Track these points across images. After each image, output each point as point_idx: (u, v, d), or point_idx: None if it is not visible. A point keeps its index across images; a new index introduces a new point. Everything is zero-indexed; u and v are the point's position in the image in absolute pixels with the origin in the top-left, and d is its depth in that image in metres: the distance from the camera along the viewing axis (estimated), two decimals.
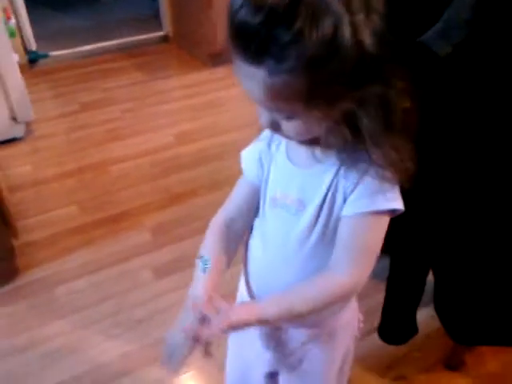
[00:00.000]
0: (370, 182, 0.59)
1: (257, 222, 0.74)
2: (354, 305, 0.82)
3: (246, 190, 0.73)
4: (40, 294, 1.56)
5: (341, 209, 0.62)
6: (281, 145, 0.68)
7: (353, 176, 0.60)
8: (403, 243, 1.17)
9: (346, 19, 0.47)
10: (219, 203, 0.76)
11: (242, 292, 0.79)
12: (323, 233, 0.65)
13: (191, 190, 2.00)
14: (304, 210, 0.65)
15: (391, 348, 1.31)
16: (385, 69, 0.53)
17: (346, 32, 0.47)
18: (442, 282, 1.20)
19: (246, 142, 0.74)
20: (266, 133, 0.70)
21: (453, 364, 1.31)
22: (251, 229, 0.76)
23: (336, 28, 0.47)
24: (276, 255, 0.71)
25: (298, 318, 0.69)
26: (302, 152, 0.64)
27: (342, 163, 0.61)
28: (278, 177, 0.68)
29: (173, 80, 3.01)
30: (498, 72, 0.88)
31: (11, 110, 2.26)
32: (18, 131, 2.35)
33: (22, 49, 3.04)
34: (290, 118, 0.56)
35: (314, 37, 0.47)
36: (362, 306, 0.85)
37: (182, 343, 0.67)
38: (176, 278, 1.58)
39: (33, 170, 2.16)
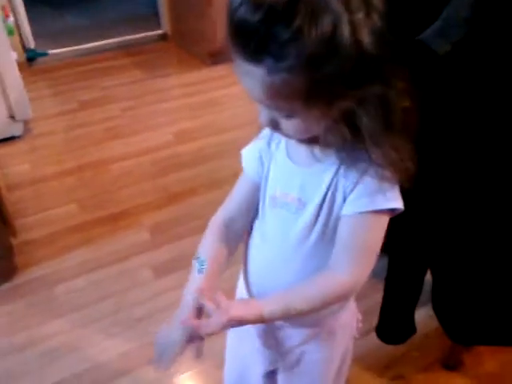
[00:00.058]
0: (369, 181, 0.59)
1: (256, 222, 0.74)
2: (352, 305, 0.82)
3: (246, 188, 0.73)
4: (39, 292, 1.56)
5: (340, 208, 0.62)
6: (281, 143, 0.68)
7: (352, 175, 0.60)
8: (401, 243, 1.17)
9: (345, 18, 0.47)
10: (218, 202, 0.76)
11: (241, 291, 0.79)
12: (323, 232, 0.65)
13: (190, 189, 2.00)
14: (304, 209, 0.65)
15: (389, 347, 1.31)
16: (384, 68, 0.53)
17: (345, 31, 0.47)
18: (440, 282, 1.20)
19: (245, 141, 0.74)
20: (266, 131, 0.70)
21: (451, 364, 1.31)
22: (251, 228, 0.75)
23: (335, 26, 0.47)
24: (276, 254, 0.71)
25: (297, 317, 0.69)
26: (302, 151, 0.64)
27: (342, 162, 0.61)
28: (278, 175, 0.68)
29: (172, 78, 3.01)
30: (498, 70, 0.88)
31: (9, 108, 2.25)
32: (17, 129, 2.34)
33: (20, 47, 3.03)
34: (289, 116, 0.56)
35: (313, 35, 0.46)
36: (360, 305, 0.85)
37: (174, 341, 0.67)
38: (175, 277, 1.57)
39: (31, 169, 2.15)
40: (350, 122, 0.56)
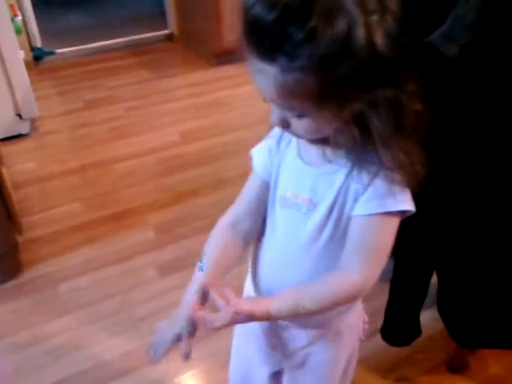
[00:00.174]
0: (380, 184, 0.59)
1: (266, 222, 0.74)
2: (359, 306, 0.81)
3: (256, 188, 0.72)
4: (43, 290, 1.56)
5: (351, 210, 0.62)
6: (290, 143, 0.68)
7: (364, 178, 0.60)
8: (408, 245, 1.17)
9: (360, 20, 0.47)
10: (223, 202, 0.76)
11: (248, 292, 0.79)
12: (333, 233, 0.65)
13: (195, 189, 2.00)
14: (314, 210, 0.65)
15: (394, 349, 1.30)
16: (397, 71, 0.53)
17: (360, 32, 0.47)
18: (446, 285, 1.20)
19: (250, 141, 0.74)
20: (276, 131, 0.70)
21: (456, 366, 1.30)
22: (260, 228, 0.75)
23: (350, 28, 0.47)
24: (285, 255, 0.71)
25: (305, 316, 0.69)
26: (313, 151, 0.64)
27: (352, 164, 0.61)
28: (289, 176, 0.68)
29: (178, 78, 3.02)
30: (507, 73, 0.88)
31: (16, 106, 2.27)
32: (23, 128, 2.35)
33: (27, 46, 3.05)
34: (300, 116, 0.56)
35: (328, 36, 0.47)
36: (367, 307, 0.85)
37: (171, 335, 0.70)
38: (179, 277, 1.57)
39: (37, 167, 2.16)
40: (360, 123, 0.56)
